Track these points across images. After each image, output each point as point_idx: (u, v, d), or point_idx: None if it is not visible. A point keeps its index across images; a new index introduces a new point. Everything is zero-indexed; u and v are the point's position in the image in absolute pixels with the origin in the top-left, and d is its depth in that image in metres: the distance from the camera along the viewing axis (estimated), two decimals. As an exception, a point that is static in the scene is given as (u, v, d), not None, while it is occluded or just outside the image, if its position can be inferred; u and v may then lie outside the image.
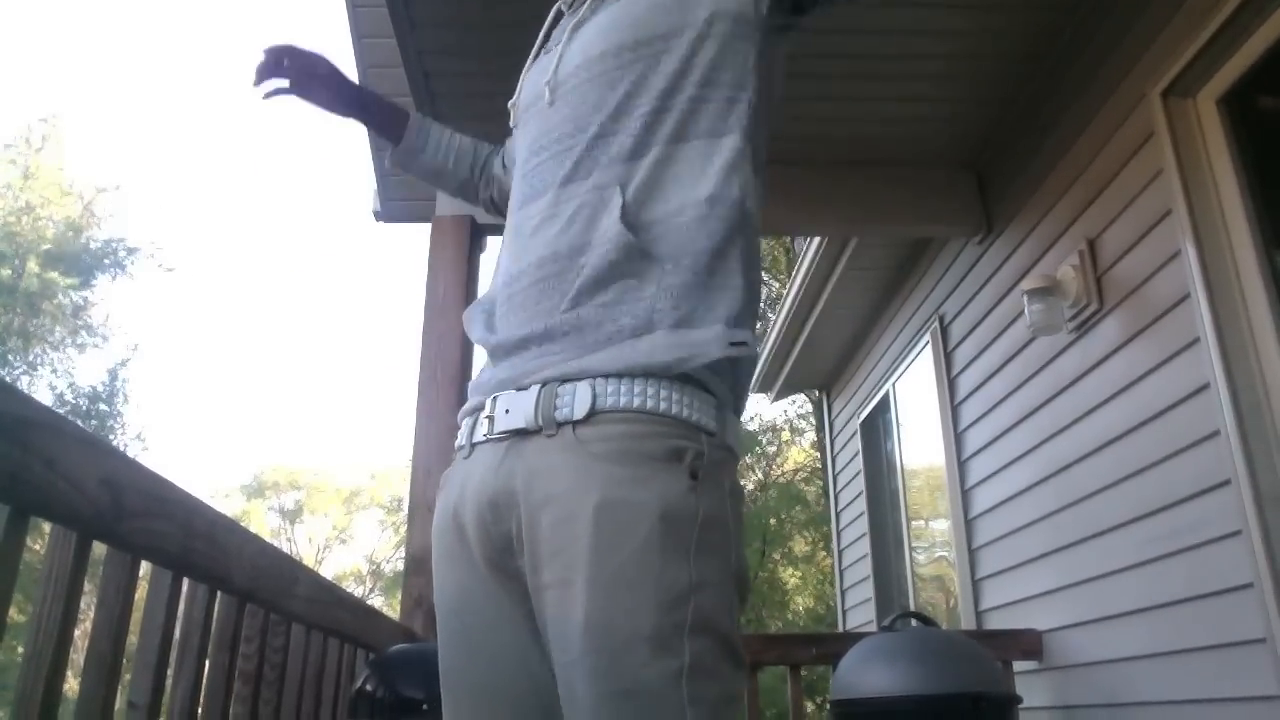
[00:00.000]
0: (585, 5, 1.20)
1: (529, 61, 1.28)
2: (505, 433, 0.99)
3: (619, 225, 0.99)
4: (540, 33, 1.30)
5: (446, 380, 3.10)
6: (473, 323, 1.13)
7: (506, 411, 0.99)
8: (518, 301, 1.05)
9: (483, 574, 1.00)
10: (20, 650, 1.05)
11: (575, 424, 0.94)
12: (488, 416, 1.01)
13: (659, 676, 0.85)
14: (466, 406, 1.08)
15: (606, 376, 0.95)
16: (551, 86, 1.14)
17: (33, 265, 17.97)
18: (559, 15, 1.29)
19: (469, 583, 1.02)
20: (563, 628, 0.89)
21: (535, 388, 0.97)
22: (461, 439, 1.07)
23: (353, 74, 3.27)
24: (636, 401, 0.94)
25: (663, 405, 0.94)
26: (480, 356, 1.15)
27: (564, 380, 0.96)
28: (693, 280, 0.99)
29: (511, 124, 1.26)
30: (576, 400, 0.95)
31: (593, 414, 0.94)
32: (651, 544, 0.88)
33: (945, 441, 3.95)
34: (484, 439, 1.02)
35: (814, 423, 14.98)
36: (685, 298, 0.98)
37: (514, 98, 1.26)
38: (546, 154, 1.11)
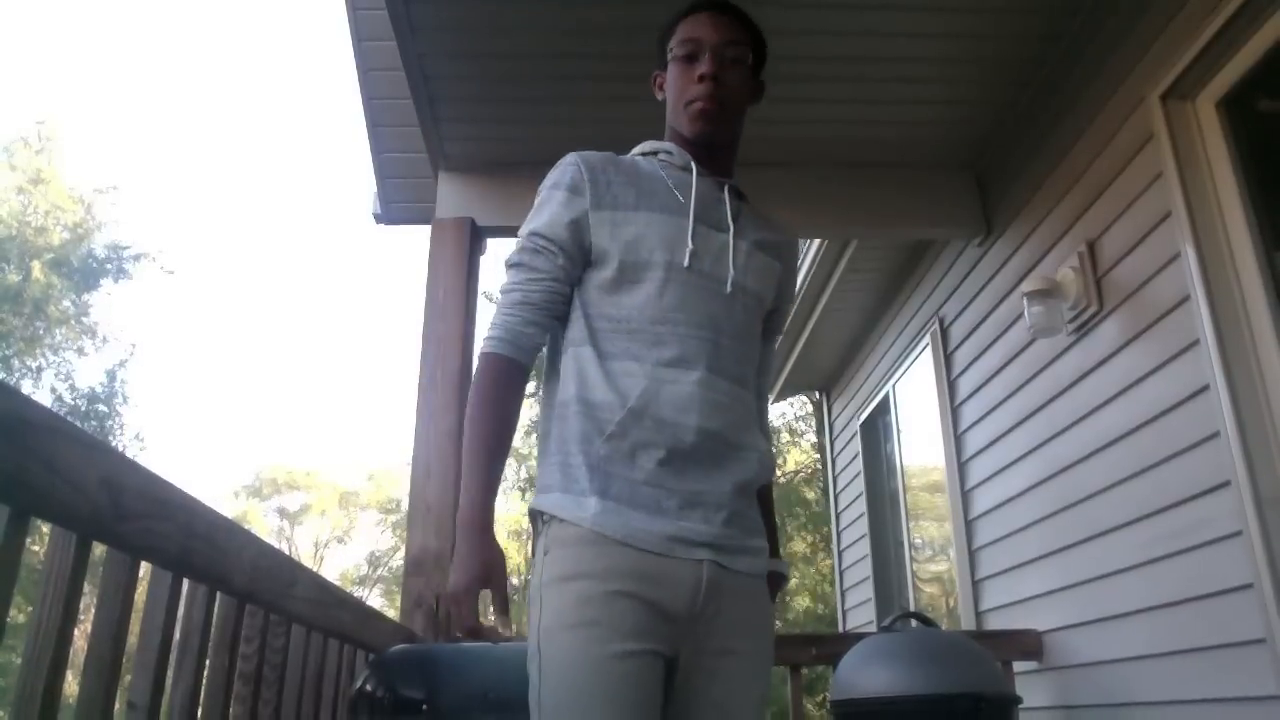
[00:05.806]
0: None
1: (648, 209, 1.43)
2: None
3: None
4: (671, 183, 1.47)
5: (446, 382, 3.10)
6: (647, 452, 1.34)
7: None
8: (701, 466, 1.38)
9: (654, 644, 1.29)
10: (20, 651, 1.05)
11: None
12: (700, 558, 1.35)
13: None
14: (669, 531, 1.32)
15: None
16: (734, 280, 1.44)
17: (37, 270, 17.94)
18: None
19: (634, 649, 1.26)
20: (740, 694, 1.35)
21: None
22: (656, 547, 1.30)
23: (353, 76, 3.28)
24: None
25: None
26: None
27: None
28: None
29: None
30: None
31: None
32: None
33: (945, 443, 3.95)
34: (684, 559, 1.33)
35: (814, 424, 14.97)
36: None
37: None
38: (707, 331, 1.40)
